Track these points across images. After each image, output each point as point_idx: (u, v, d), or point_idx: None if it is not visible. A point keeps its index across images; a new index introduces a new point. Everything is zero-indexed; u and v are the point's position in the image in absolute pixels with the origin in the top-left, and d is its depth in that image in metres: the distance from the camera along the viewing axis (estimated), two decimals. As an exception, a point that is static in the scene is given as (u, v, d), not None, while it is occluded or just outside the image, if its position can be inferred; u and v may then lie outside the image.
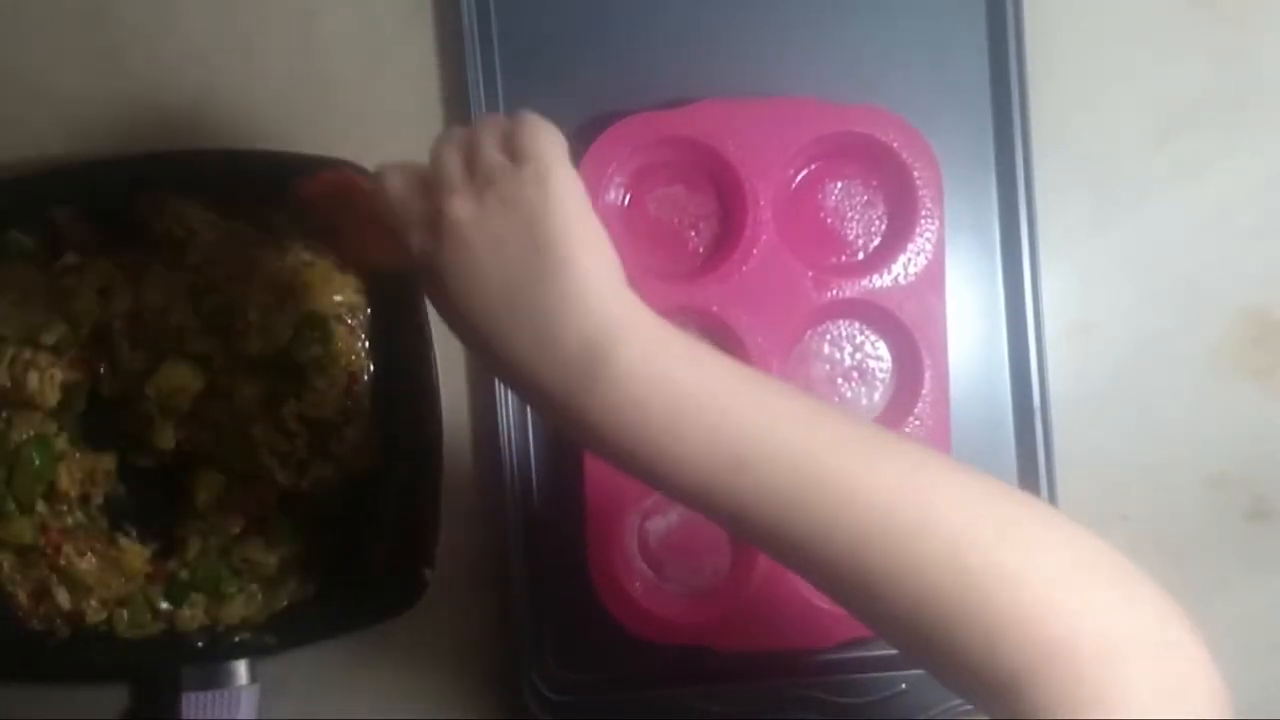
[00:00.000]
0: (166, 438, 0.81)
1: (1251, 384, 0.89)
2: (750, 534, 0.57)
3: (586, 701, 0.85)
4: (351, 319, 0.82)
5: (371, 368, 0.83)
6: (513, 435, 0.83)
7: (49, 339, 0.80)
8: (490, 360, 0.59)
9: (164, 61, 0.86)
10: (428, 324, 0.81)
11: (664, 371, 0.56)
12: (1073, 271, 0.88)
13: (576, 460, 0.82)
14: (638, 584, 0.84)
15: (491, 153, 0.59)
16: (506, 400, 0.83)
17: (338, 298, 0.81)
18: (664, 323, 0.57)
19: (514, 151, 0.59)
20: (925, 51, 0.86)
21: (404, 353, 0.82)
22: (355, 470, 0.83)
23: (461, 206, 0.58)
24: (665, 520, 0.85)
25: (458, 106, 0.85)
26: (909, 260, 0.83)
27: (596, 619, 0.83)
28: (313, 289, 0.81)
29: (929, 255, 0.83)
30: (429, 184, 0.60)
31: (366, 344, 0.83)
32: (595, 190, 0.82)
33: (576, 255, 0.57)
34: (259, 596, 0.83)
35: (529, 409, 0.84)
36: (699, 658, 0.83)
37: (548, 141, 0.59)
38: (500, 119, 0.61)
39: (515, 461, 0.83)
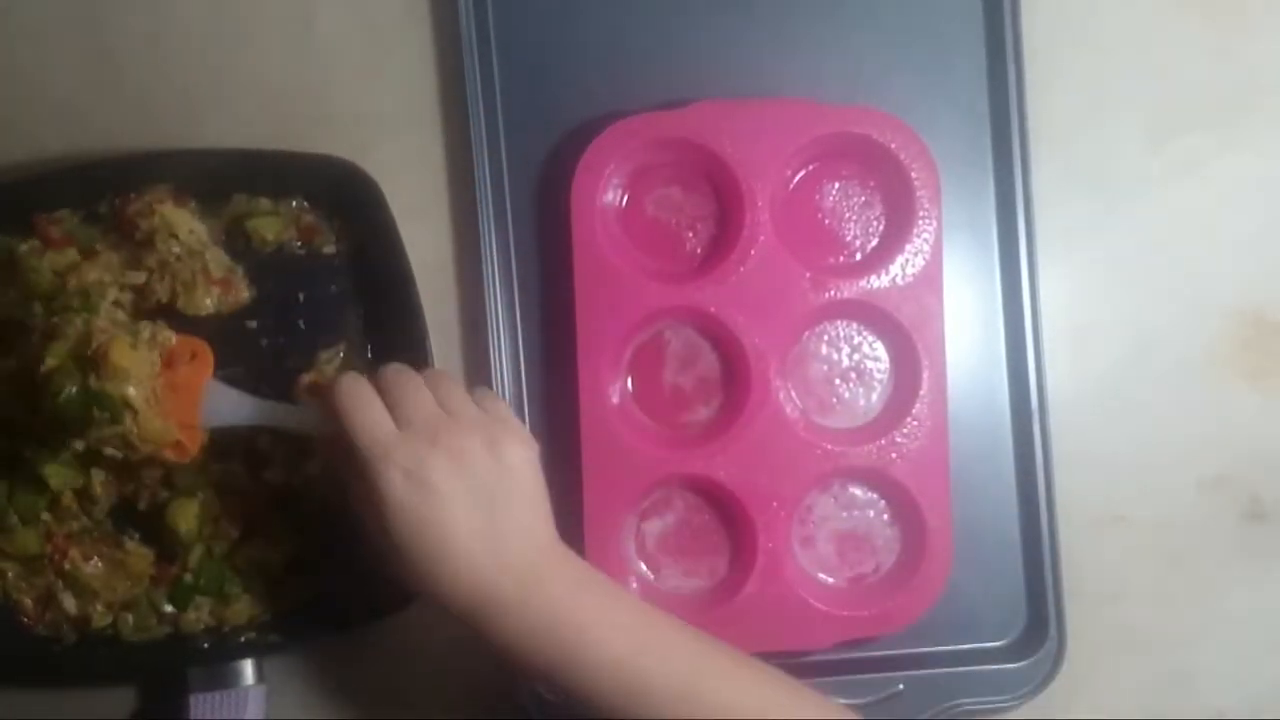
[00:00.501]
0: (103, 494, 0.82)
1: (1248, 385, 0.89)
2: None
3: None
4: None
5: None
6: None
7: (23, 314, 0.79)
8: (449, 571, 0.70)
9: (160, 63, 0.86)
10: (420, 311, 0.81)
11: (578, 597, 0.73)
12: (1069, 273, 0.88)
13: (575, 461, 0.82)
14: (635, 585, 0.84)
15: (462, 398, 0.74)
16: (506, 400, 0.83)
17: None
18: (580, 561, 0.75)
19: (478, 399, 0.75)
20: (923, 53, 0.86)
21: (401, 343, 0.82)
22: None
23: (457, 435, 0.71)
24: (662, 522, 0.85)
25: (455, 107, 0.85)
26: (906, 261, 0.83)
27: (594, 620, 0.83)
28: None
29: (926, 256, 0.83)
30: (401, 407, 0.72)
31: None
32: (593, 191, 0.82)
33: (531, 503, 0.73)
34: (264, 596, 0.83)
35: (521, 407, 0.85)
36: (697, 658, 0.84)
37: (504, 405, 0.77)
38: (416, 377, 0.74)
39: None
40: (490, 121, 0.84)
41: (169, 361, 0.75)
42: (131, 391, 0.73)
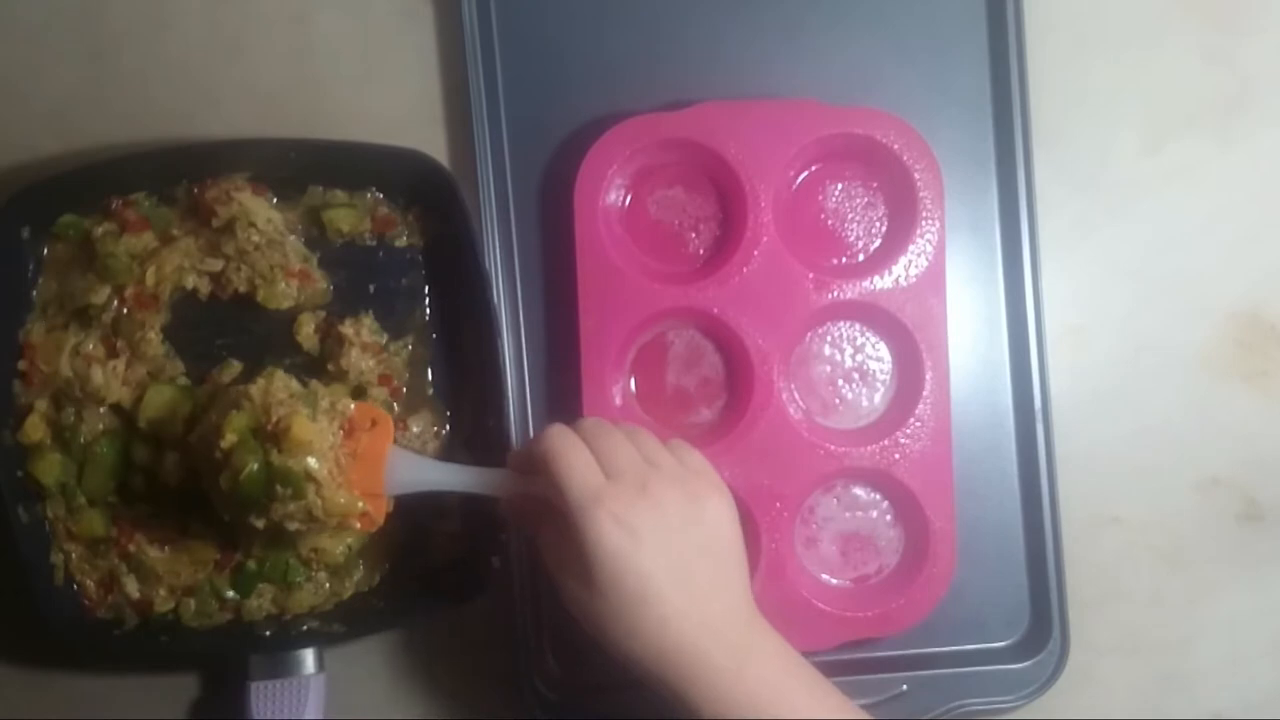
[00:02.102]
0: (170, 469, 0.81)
1: (1245, 387, 0.90)
2: None
3: (587, 703, 0.85)
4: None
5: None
6: (515, 435, 0.82)
7: (98, 299, 0.80)
8: (651, 616, 0.70)
9: (158, 63, 0.86)
10: (496, 310, 0.82)
11: (785, 680, 0.72)
12: (1068, 274, 0.88)
13: (578, 462, 0.82)
14: (638, 586, 0.83)
15: (663, 454, 0.74)
16: (507, 399, 0.83)
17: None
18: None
19: (675, 451, 0.75)
20: (926, 54, 0.86)
21: (470, 338, 0.82)
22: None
23: (662, 484, 0.71)
24: (665, 522, 0.85)
25: (458, 107, 0.85)
26: (909, 262, 0.83)
27: (597, 621, 0.82)
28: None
29: (929, 257, 0.83)
30: (611, 457, 0.72)
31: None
32: (596, 191, 0.82)
33: (734, 565, 0.73)
34: (326, 585, 0.83)
35: (524, 409, 0.84)
36: (700, 660, 0.83)
37: (703, 460, 0.76)
38: (617, 430, 0.75)
39: (516, 463, 0.83)
40: (493, 122, 0.84)
41: (349, 430, 0.74)
42: (315, 465, 0.72)
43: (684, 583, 0.70)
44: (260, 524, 0.74)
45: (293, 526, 0.74)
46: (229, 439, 0.73)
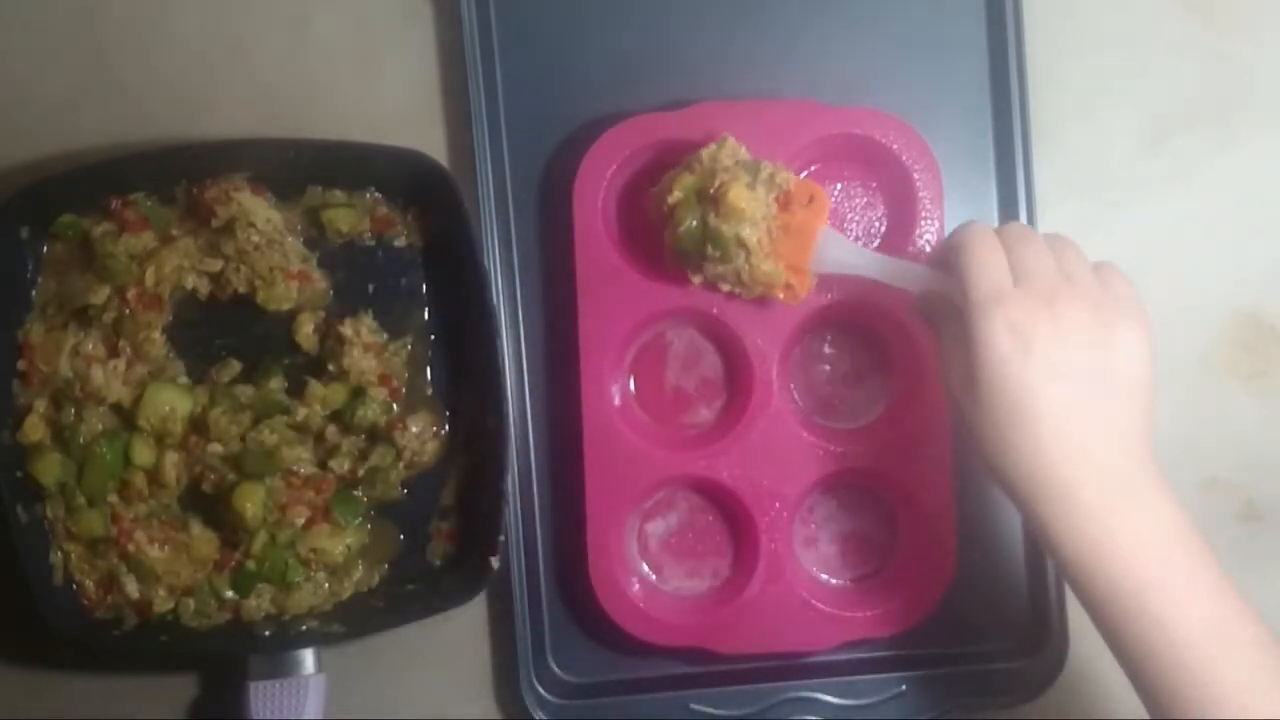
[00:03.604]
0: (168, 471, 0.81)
1: (1243, 387, 0.90)
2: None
3: (586, 704, 0.85)
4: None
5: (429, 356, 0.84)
6: (514, 435, 0.82)
7: (97, 299, 0.80)
8: (1027, 434, 0.66)
9: (157, 63, 0.86)
10: (495, 310, 0.81)
11: (1175, 549, 0.66)
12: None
13: (577, 462, 0.82)
14: (637, 586, 0.84)
15: (1083, 266, 0.70)
16: (507, 399, 0.83)
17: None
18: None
19: (1100, 271, 0.70)
20: (925, 54, 0.86)
21: (470, 338, 0.82)
22: (421, 458, 0.83)
23: (1072, 299, 0.67)
24: (665, 523, 0.85)
25: (457, 107, 0.85)
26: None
27: (596, 621, 0.83)
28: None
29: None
30: (1024, 264, 0.69)
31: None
32: (595, 191, 0.82)
33: (1140, 407, 0.67)
34: (325, 585, 0.83)
35: (524, 408, 0.84)
36: (699, 660, 0.84)
37: (1132, 288, 0.70)
38: (1040, 238, 0.71)
39: (515, 462, 0.83)
40: (492, 122, 0.84)
41: (785, 203, 0.77)
42: (746, 232, 0.76)
43: (1069, 408, 0.66)
44: (696, 280, 0.80)
45: (725, 289, 0.79)
46: (675, 196, 0.77)
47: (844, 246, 0.78)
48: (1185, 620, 0.64)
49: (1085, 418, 0.66)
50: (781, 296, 0.78)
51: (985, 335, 0.67)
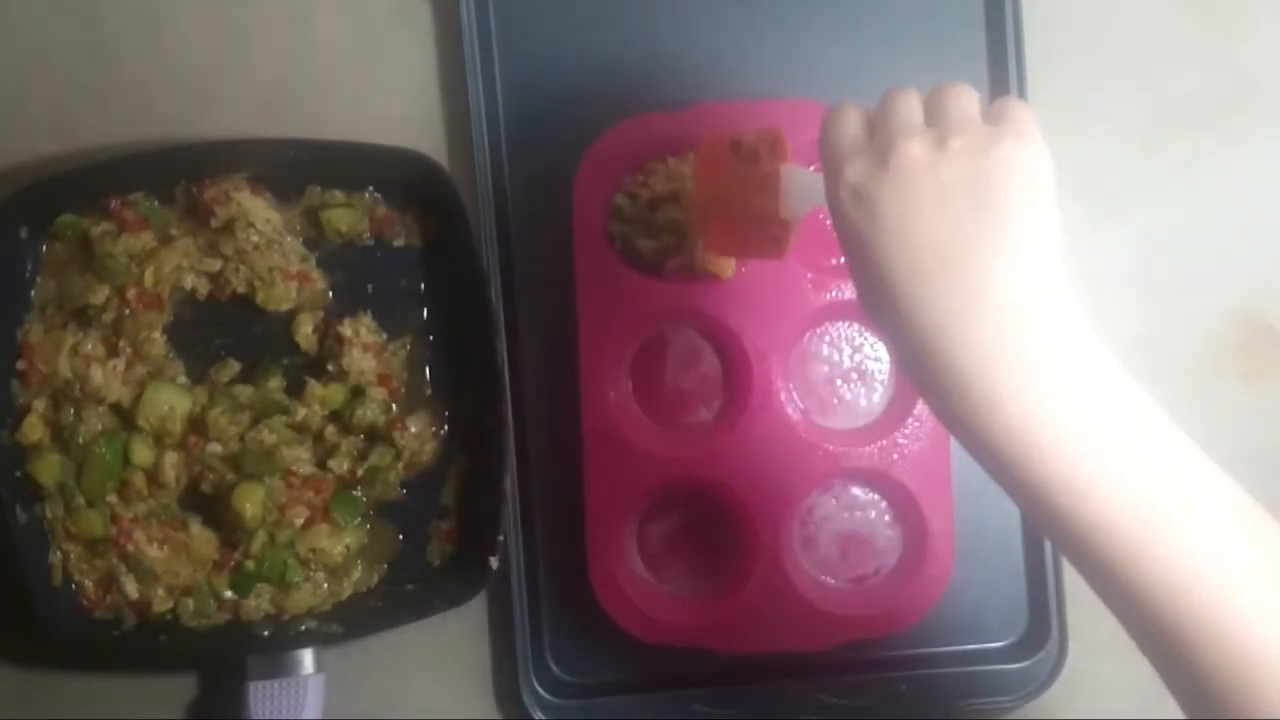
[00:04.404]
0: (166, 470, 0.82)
1: (1242, 387, 0.90)
2: (1086, 561, 0.55)
3: (585, 704, 0.85)
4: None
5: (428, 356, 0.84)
6: (513, 435, 0.82)
7: (97, 299, 0.80)
8: (895, 320, 0.56)
9: (157, 63, 0.86)
10: (495, 310, 0.81)
11: (1096, 376, 0.54)
12: (1067, 274, 0.88)
13: (577, 462, 0.82)
14: (637, 586, 0.84)
15: (967, 105, 0.58)
16: (507, 399, 0.83)
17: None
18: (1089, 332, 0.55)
19: (990, 113, 0.59)
20: (924, 54, 0.86)
21: (469, 338, 0.82)
22: (420, 458, 0.83)
23: (919, 146, 0.56)
24: (664, 523, 0.85)
25: (456, 108, 0.85)
26: (908, 262, 0.83)
27: (596, 621, 0.83)
28: None
29: (928, 257, 0.83)
30: (878, 123, 0.59)
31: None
32: (595, 191, 0.82)
33: (1030, 225, 0.55)
34: (324, 585, 0.83)
35: (523, 409, 0.84)
36: (698, 660, 0.83)
37: (1028, 109, 0.59)
38: (966, 88, 0.60)
39: (514, 462, 0.83)
40: (491, 122, 0.84)
41: (753, 158, 0.74)
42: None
43: (928, 273, 0.55)
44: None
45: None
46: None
47: (805, 176, 0.72)
48: (1112, 517, 0.53)
49: (958, 279, 0.55)
50: (773, 252, 0.74)
51: (832, 206, 0.59)
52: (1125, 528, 0.53)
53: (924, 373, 0.56)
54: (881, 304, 0.57)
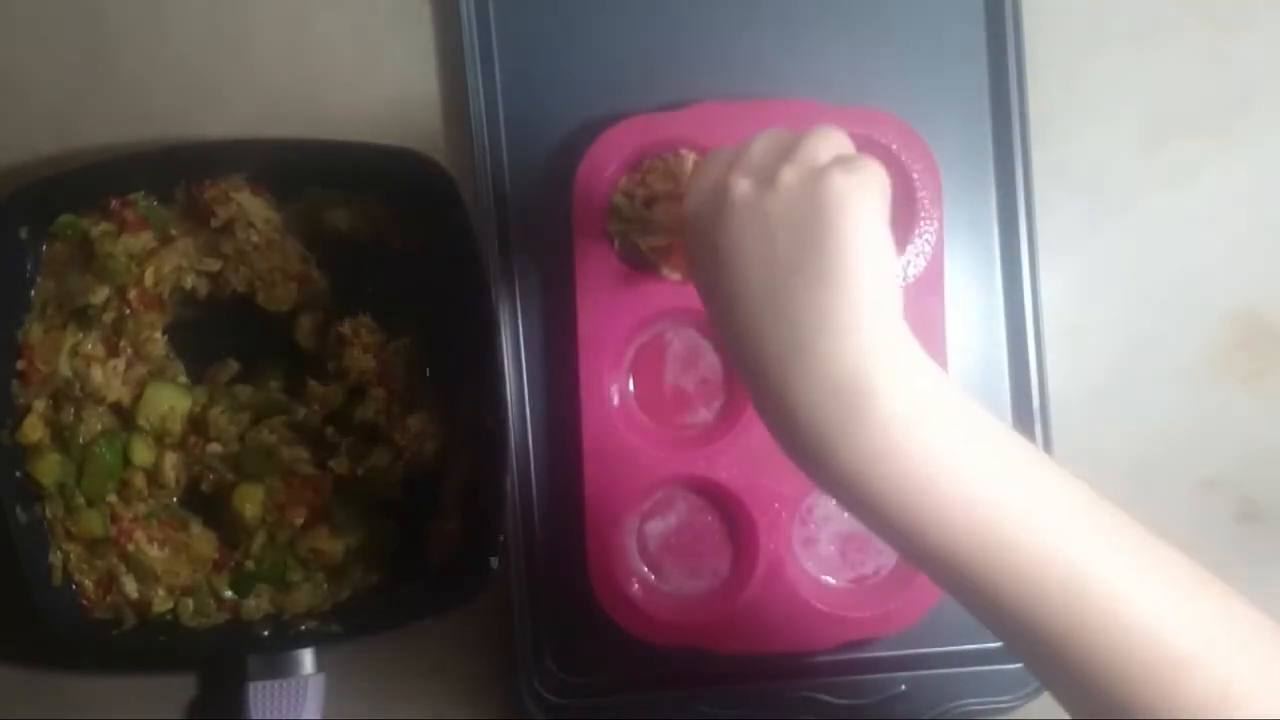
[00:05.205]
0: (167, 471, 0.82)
1: (1242, 387, 0.90)
2: (974, 607, 0.54)
3: (586, 704, 0.85)
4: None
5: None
6: (513, 435, 0.82)
7: (97, 299, 0.80)
8: (740, 359, 0.56)
9: (157, 63, 0.86)
10: (495, 311, 0.81)
11: (927, 427, 0.52)
12: (1067, 274, 0.88)
13: (576, 461, 0.82)
14: (637, 586, 0.84)
15: (821, 145, 0.58)
16: (507, 399, 0.83)
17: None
18: (934, 368, 0.53)
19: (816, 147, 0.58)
20: (924, 54, 0.86)
21: (469, 338, 0.82)
22: (421, 458, 0.83)
23: (749, 182, 0.57)
24: (664, 523, 0.85)
25: (457, 108, 0.85)
26: (908, 262, 0.83)
27: (596, 622, 0.83)
28: None
29: (928, 257, 0.83)
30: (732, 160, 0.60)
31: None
32: (594, 191, 0.82)
33: (851, 271, 0.53)
34: (324, 585, 0.83)
35: (523, 409, 0.84)
36: (698, 660, 0.83)
37: (838, 134, 0.59)
38: (830, 129, 0.60)
39: (514, 462, 0.83)
40: (492, 122, 0.84)
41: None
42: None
43: (756, 318, 0.55)
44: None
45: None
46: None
47: None
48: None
49: (784, 320, 0.54)
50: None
51: (690, 258, 0.61)
52: (980, 564, 0.52)
53: (762, 410, 0.56)
54: (721, 333, 0.58)
